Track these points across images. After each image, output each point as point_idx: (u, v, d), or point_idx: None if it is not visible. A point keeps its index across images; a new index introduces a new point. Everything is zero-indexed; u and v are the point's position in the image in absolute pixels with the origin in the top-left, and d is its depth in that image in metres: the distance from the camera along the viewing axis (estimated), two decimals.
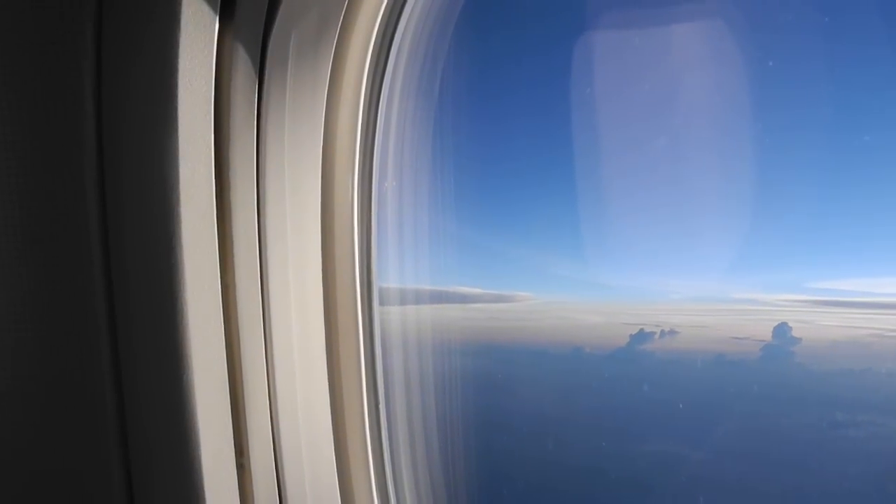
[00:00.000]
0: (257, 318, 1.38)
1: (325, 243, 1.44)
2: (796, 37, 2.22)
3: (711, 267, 2.69)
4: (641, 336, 3.01)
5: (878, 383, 2.53)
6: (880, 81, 2.22)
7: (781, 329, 2.64)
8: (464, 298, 2.40)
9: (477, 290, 2.68)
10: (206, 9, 1.13)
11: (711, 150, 2.43)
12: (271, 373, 1.41)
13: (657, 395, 2.82)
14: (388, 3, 1.39)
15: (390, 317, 1.73)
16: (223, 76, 1.21)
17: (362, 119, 1.36)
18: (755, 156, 2.32)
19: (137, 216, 1.12)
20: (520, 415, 2.86)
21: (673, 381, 2.84)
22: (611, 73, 2.36)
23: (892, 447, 2.32)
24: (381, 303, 1.61)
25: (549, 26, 2.71)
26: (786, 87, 2.28)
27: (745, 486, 2.42)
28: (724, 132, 2.37)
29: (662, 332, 3.03)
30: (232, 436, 1.27)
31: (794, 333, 2.64)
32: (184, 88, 1.08)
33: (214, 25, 1.16)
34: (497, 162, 2.80)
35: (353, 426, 1.47)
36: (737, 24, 2.16)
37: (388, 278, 1.77)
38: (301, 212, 1.39)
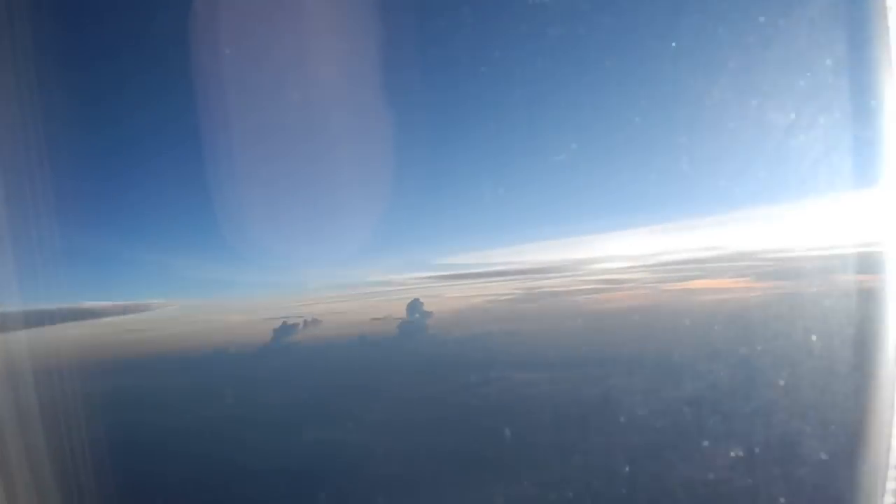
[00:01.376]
0: None
1: None
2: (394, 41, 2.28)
3: (345, 254, 2.74)
4: (285, 329, 2.95)
5: (498, 342, 2.83)
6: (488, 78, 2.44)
7: (414, 305, 2.80)
8: (87, 314, 2.06)
9: (104, 304, 2.34)
10: None
11: (334, 143, 2.44)
12: None
13: (308, 385, 2.78)
14: None
15: None
16: None
17: None
18: (371, 148, 2.38)
19: None
20: (158, 429, 2.58)
21: (321, 369, 2.82)
22: (220, 60, 2.21)
23: (520, 395, 2.60)
24: None
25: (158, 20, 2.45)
26: (382, 86, 2.36)
27: (401, 457, 2.50)
28: (343, 129, 2.39)
29: (305, 323, 3.00)
30: None
31: (426, 308, 2.82)
32: None
33: None
34: (115, 162, 2.46)
35: None
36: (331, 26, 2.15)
37: None
38: None
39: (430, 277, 2.77)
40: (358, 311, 2.80)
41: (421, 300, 2.81)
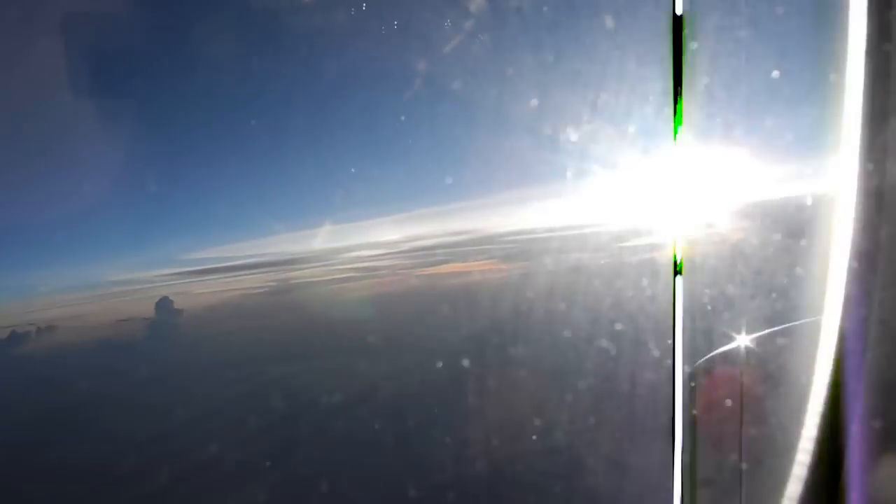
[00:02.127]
0: None
1: None
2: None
3: (79, 252, 2.55)
4: (14, 339, 2.69)
5: (254, 337, 2.80)
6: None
7: (163, 303, 2.68)
8: None
9: None
10: None
11: (64, 129, 2.27)
12: None
13: (49, 398, 2.56)
14: None
15: None
16: None
17: None
18: (107, 137, 2.25)
19: None
20: None
21: (62, 379, 2.62)
22: None
23: (279, 388, 2.60)
24: None
25: None
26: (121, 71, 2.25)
27: (160, 465, 2.40)
28: (77, 113, 2.24)
29: (39, 330, 2.76)
30: None
31: (176, 306, 2.71)
32: None
33: None
34: None
35: None
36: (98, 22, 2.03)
37: None
38: None
39: (177, 273, 2.66)
40: (100, 314, 2.61)
41: (170, 298, 2.71)
